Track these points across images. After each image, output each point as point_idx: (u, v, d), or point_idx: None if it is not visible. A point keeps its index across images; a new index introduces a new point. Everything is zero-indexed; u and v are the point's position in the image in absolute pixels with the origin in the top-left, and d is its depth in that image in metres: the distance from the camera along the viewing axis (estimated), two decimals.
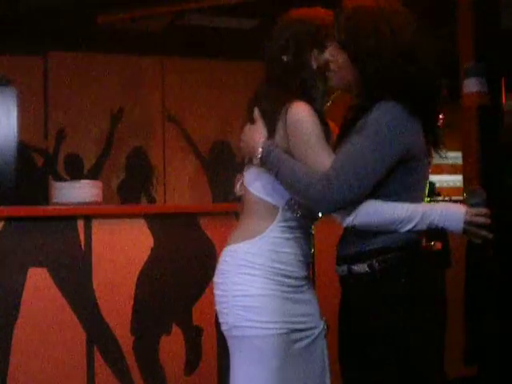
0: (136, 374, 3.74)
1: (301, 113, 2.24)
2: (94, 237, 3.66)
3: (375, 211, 2.14)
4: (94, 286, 3.66)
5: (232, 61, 6.72)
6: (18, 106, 5.40)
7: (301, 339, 2.30)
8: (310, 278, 2.43)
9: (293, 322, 2.26)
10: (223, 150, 7.04)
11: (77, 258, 3.65)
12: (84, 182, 4.62)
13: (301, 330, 2.29)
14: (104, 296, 3.68)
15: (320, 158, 2.17)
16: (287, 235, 2.30)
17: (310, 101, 2.31)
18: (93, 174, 6.38)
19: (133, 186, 6.76)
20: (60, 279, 3.61)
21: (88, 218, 3.66)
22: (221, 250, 2.41)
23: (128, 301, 3.71)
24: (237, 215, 2.66)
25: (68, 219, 3.64)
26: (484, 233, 2.15)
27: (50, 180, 6.28)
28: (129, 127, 6.58)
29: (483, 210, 2.15)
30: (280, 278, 2.25)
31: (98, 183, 4.44)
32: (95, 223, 3.67)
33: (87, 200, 4.06)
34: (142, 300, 3.73)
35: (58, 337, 3.60)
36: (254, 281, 2.24)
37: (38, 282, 3.58)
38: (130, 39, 5.91)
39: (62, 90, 6.40)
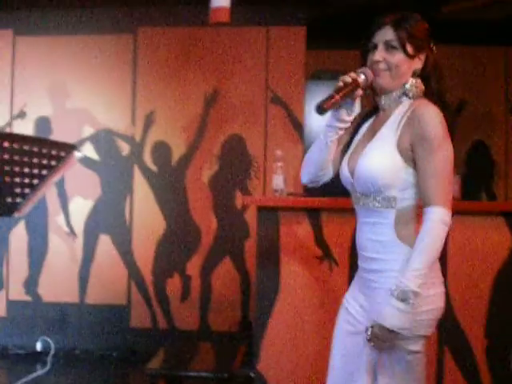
0: (486, 380, 3.59)
1: None
2: None
3: None
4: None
5: None
6: None
7: (346, 320, 2.41)
8: (376, 278, 2.28)
9: (347, 299, 2.44)
10: None
11: None
12: None
13: (349, 313, 2.40)
14: (458, 296, 3.57)
15: None
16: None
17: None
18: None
19: None
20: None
21: None
22: None
23: (483, 303, 3.58)
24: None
25: None
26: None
27: None
28: None
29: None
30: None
31: None
32: None
33: None
34: (497, 303, 3.58)
35: None
36: None
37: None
38: (471, 29, 5.70)
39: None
